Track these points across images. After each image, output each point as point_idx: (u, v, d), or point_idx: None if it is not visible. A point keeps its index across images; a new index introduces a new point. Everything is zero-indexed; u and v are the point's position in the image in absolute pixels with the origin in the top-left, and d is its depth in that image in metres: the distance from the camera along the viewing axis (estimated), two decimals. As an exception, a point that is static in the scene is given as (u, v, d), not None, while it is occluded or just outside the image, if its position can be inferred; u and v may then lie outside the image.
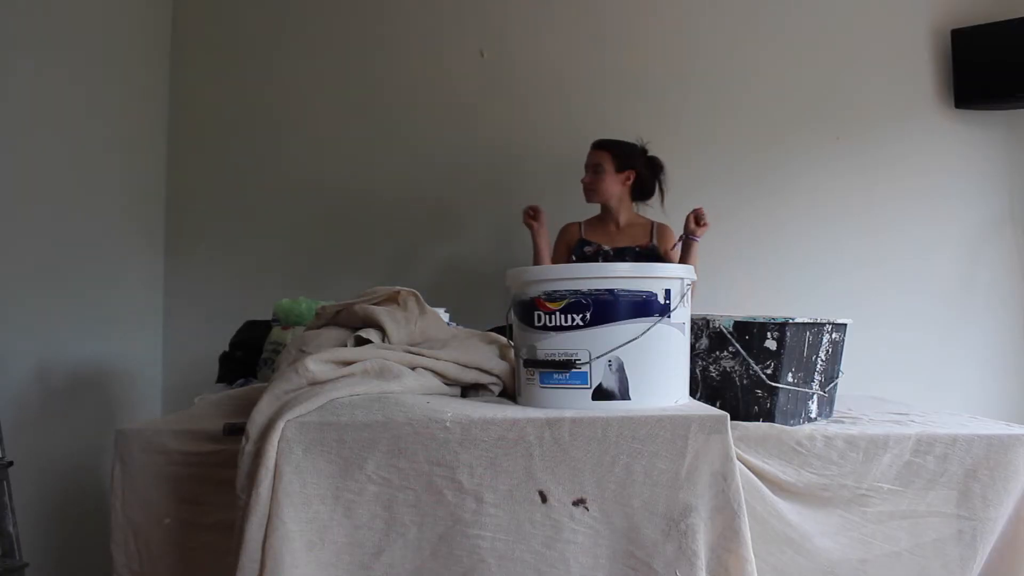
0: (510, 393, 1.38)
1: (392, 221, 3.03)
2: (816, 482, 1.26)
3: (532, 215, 2.66)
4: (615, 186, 2.63)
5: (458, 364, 1.36)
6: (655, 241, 2.63)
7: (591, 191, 2.65)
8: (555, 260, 2.71)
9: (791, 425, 1.35)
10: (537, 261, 2.68)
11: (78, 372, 2.46)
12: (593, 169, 2.64)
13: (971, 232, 2.91)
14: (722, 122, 2.97)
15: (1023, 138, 2.90)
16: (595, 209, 2.72)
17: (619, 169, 2.64)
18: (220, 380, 2.14)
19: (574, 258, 2.65)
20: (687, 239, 2.51)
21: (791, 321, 1.34)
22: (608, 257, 2.60)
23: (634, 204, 2.72)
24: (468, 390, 1.40)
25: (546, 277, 1.25)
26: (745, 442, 1.26)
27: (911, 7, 2.96)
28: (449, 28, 3.05)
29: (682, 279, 1.24)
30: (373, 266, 3.01)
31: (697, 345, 1.41)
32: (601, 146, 2.67)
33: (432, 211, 3.02)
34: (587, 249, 2.63)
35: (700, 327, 1.41)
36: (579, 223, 2.73)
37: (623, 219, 2.67)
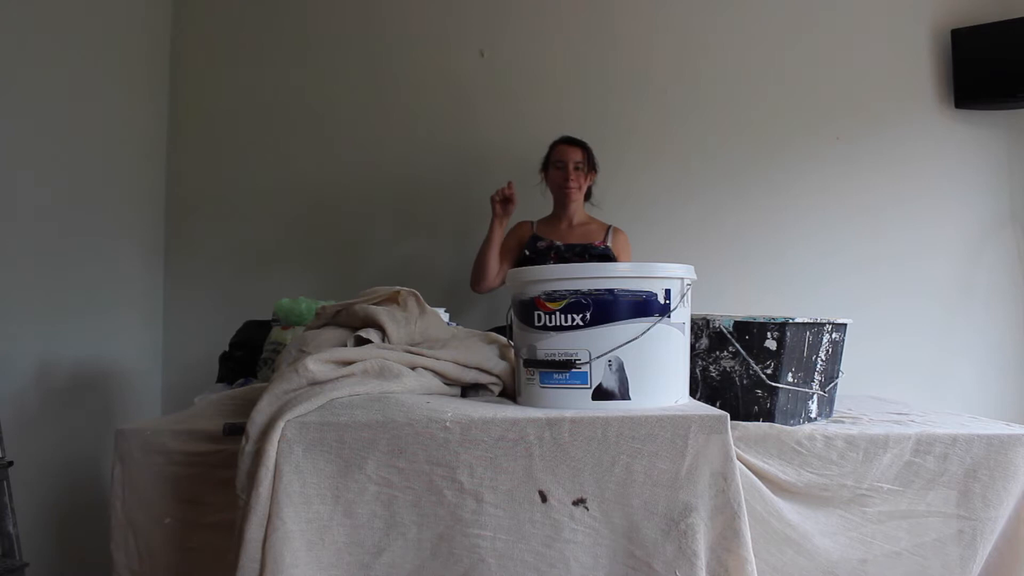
0: (510, 393, 1.38)
1: (392, 221, 3.03)
2: (816, 482, 1.26)
3: (506, 198, 2.48)
4: (586, 187, 2.61)
5: (458, 364, 1.36)
6: (609, 243, 2.57)
7: (575, 192, 2.55)
8: (504, 254, 2.59)
9: (791, 425, 1.35)
10: (485, 250, 2.54)
11: (78, 372, 2.46)
12: (575, 166, 2.54)
13: (971, 232, 2.91)
14: (722, 122, 2.97)
15: (1023, 138, 2.90)
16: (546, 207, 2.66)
17: (590, 169, 2.60)
18: (220, 380, 2.13)
19: (527, 253, 2.54)
20: None
21: (791, 321, 1.34)
22: (559, 253, 2.52)
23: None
24: (468, 390, 1.40)
25: (546, 277, 1.25)
26: (745, 442, 1.26)
27: (911, 7, 2.96)
28: (449, 28, 3.05)
29: (682, 279, 1.24)
30: (373, 266, 3.01)
31: (697, 345, 1.41)
32: (579, 144, 2.58)
33: (432, 211, 3.02)
34: (539, 244, 2.55)
35: (700, 327, 1.41)
36: (531, 221, 2.68)
37: (577, 218, 2.62)
